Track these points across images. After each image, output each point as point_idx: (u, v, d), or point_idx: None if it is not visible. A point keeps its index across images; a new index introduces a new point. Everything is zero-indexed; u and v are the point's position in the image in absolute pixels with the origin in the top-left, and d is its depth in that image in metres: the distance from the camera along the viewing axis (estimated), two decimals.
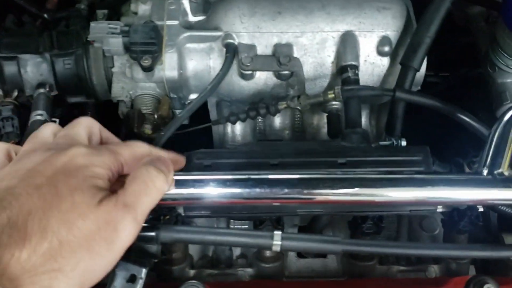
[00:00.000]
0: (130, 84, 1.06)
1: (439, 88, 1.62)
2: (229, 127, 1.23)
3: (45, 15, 1.21)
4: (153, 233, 0.77)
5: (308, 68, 1.07)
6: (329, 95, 0.99)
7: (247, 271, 1.07)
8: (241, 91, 1.09)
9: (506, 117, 0.79)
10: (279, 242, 0.75)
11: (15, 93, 1.09)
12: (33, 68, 1.07)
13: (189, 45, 1.06)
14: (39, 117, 1.00)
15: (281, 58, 1.02)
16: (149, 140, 0.78)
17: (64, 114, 1.33)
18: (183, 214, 0.94)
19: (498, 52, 1.11)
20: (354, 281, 1.06)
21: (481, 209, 1.05)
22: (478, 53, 1.26)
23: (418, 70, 1.01)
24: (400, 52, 1.05)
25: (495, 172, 0.76)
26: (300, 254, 1.12)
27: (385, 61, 1.07)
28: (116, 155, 0.62)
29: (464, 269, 1.06)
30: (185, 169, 0.92)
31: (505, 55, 1.09)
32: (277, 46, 1.05)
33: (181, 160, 0.74)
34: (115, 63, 1.07)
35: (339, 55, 1.05)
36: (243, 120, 1.06)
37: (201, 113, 1.18)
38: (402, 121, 1.03)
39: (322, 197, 0.76)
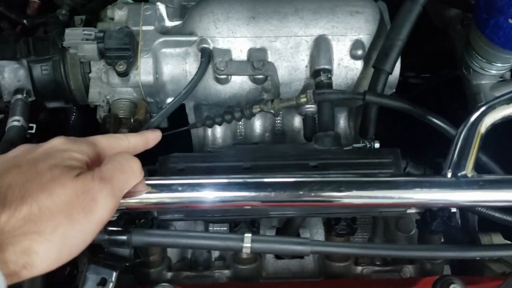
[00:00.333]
0: (107, 89, 1.07)
1: (421, 89, 1.65)
2: (209, 130, 1.24)
3: (25, 21, 1.22)
4: (124, 237, 0.78)
5: (282, 72, 1.08)
6: (301, 99, 1.00)
7: (224, 273, 1.08)
8: (217, 95, 1.10)
9: (472, 119, 0.80)
10: (249, 245, 0.76)
11: None
12: (10, 74, 1.08)
13: (164, 50, 1.07)
14: (16, 123, 1.01)
15: (255, 63, 1.04)
16: None
17: (49, 119, 1.35)
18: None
19: (472, 54, 1.12)
20: (330, 281, 1.08)
21: (454, 210, 1.08)
22: (455, 55, 1.27)
23: (390, 73, 1.02)
24: (374, 55, 1.06)
25: (459, 174, 0.78)
26: (278, 256, 1.14)
27: (359, 64, 1.08)
28: (94, 146, 0.67)
29: (438, 269, 1.08)
30: (159, 173, 0.94)
31: (479, 57, 1.10)
32: (251, 51, 1.06)
33: (157, 134, 0.80)
34: (92, 68, 1.08)
35: (312, 59, 1.06)
36: (219, 124, 1.07)
37: (183, 116, 1.19)
38: (375, 124, 1.04)
39: (290, 201, 0.78)
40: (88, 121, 1.30)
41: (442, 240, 1.10)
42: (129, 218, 0.91)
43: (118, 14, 1.09)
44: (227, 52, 1.06)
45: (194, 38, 1.07)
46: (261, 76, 1.05)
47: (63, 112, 1.37)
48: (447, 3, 1.26)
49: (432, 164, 1.12)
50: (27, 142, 0.69)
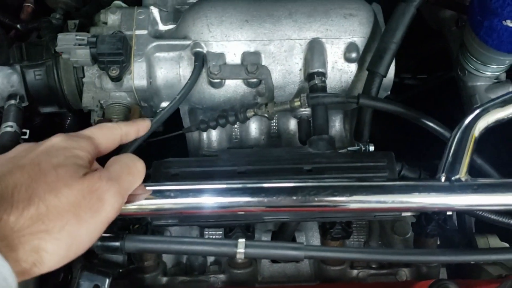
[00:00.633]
0: (100, 93, 1.07)
1: (417, 90, 1.64)
2: (204, 133, 1.24)
3: (18, 26, 1.22)
4: (117, 243, 0.78)
5: (276, 75, 1.07)
6: (295, 103, 1.00)
7: (219, 277, 1.08)
8: (212, 99, 1.10)
9: (465, 122, 0.80)
10: (243, 250, 0.76)
11: None
12: (3, 80, 1.07)
13: (158, 54, 1.07)
14: (9, 129, 1.00)
15: (249, 67, 1.03)
16: (119, 148, 0.79)
17: (44, 123, 1.34)
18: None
19: (467, 56, 1.12)
20: (326, 285, 1.08)
21: (449, 213, 1.08)
22: (450, 56, 1.27)
23: (384, 76, 1.02)
24: (368, 58, 1.06)
25: (453, 178, 0.77)
26: (273, 260, 1.14)
27: (353, 67, 1.07)
28: (91, 139, 0.68)
29: (434, 272, 1.08)
30: (153, 178, 0.94)
31: (474, 59, 1.10)
32: (245, 54, 1.06)
33: (147, 123, 0.81)
34: (86, 73, 1.08)
35: (306, 63, 1.06)
36: (213, 128, 1.07)
37: (178, 119, 1.19)
38: (370, 127, 1.04)
39: (285, 206, 0.78)
40: (83, 124, 1.30)
41: (438, 242, 1.10)
42: (123, 223, 0.91)
43: (111, 18, 1.09)
44: (221, 56, 1.06)
45: (187, 42, 1.06)
46: (255, 80, 1.05)
47: (58, 116, 1.37)
48: (442, 4, 1.26)
49: (428, 166, 1.12)
50: None
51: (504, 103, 0.79)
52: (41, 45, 1.10)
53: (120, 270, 0.82)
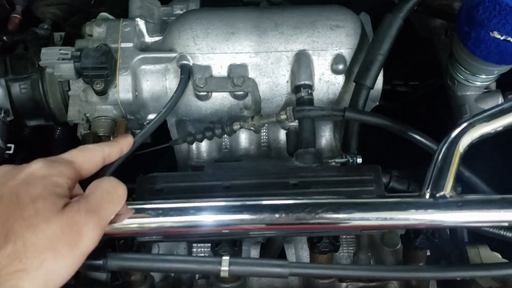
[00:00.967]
0: (86, 107, 1.06)
1: (409, 97, 1.64)
2: (194, 144, 1.23)
3: (5, 38, 1.21)
4: (100, 262, 0.77)
5: (263, 88, 1.07)
6: (281, 116, 0.99)
7: None
8: (199, 111, 1.09)
9: (451, 137, 0.79)
10: (227, 268, 0.76)
11: None
12: None
13: (144, 66, 1.06)
14: None
15: (235, 79, 1.02)
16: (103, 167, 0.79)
17: (33, 134, 1.34)
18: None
19: (456, 66, 1.11)
20: None
21: None
22: (440, 65, 1.26)
23: (371, 88, 1.01)
24: (356, 69, 1.05)
25: (438, 195, 0.76)
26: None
27: (340, 79, 1.07)
28: (72, 163, 0.67)
29: (424, 285, 1.07)
30: (137, 194, 0.93)
31: (463, 69, 1.09)
32: (231, 67, 1.05)
33: (129, 140, 0.81)
34: (71, 86, 1.07)
35: (293, 75, 1.05)
36: (200, 141, 1.06)
37: (166, 131, 1.18)
38: (357, 139, 1.03)
39: (271, 224, 0.78)
40: (73, 135, 1.29)
41: (429, 253, 1.09)
42: (109, 239, 0.90)
43: (97, 31, 1.08)
44: (207, 68, 1.05)
45: (173, 55, 1.05)
46: (241, 93, 1.04)
47: (47, 126, 1.36)
48: (431, 13, 1.25)
49: (418, 175, 1.11)
50: (6, 162, 0.70)
51: (490, 118, 0.78)
52: (26, 58, 1.10)
53: None
